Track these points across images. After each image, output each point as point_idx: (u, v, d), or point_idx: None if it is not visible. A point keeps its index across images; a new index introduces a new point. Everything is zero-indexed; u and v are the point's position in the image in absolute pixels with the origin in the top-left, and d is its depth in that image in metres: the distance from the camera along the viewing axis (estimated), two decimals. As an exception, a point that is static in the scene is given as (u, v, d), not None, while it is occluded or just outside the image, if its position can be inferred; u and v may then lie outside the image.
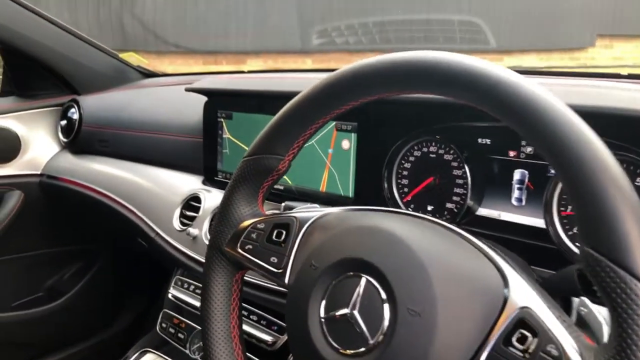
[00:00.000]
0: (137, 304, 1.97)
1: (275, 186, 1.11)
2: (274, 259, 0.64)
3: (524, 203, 0.80)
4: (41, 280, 1.87)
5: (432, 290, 0.50)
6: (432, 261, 0.52)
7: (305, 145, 1.09)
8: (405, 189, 0.91)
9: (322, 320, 0.56)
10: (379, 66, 0.58)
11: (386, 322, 0.51)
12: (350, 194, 0.99)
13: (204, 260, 1.14)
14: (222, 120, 1.22)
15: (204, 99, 1.30)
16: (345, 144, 0.99)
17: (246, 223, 0.68)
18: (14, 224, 1.67)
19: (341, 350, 0.53)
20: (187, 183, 1.31)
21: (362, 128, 0.96)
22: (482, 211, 0.84)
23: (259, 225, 0.67)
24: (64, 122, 1.69)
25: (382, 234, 0.56)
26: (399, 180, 0.92)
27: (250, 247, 0.67)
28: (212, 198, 1.20)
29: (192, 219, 1.19)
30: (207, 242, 1.12)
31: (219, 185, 1.23)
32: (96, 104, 1.68)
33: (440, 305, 0.50)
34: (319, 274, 0.57)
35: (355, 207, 0.65)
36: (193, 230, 1.14)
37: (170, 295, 1.16)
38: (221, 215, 0.70)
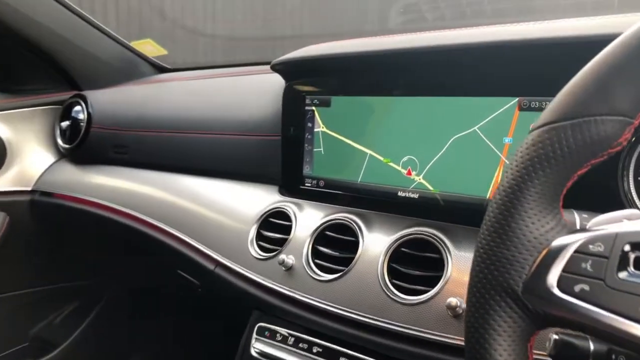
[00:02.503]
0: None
1: (409, 194, 0.80)
2: (650, 311, 0.33)
3: None
4: (26, 327, 1.47)
5: None
6: None
7: (458, 135, 0.81)
8: (657, 191, 0.62)
9: None
10: None
11: None
12: (546, 200, 0.68)
13: (307, 299, 0.83)
14: (314, 108, 0.90)
15: (274, 86, 0.99)
16: (538, 130, 0.69)
17: (558, 243, 0.37)
18: (-4, 256, 1.28)
19: None
20: (257, 196, 0.97)
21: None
22: None
23: (592, 247, 0.36)
24: (65, 124, 1.33)
25: None
26: (642, 178, 0.63)
27: (586, 287, 0.35)
28: (307, 213, 0.87)
29: (278, 242, 0.86)
30: (312, 274, 0.80)
31: (307, 195, 0.91)
32: (109, 101, 1.32)
33: None
34: None
35: None
36: (288, 259, 0.81)
37: (254, 352, 0.82)
38: (503, 232, 0.38)
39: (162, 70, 1.56)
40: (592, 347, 0.43)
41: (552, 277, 0.36)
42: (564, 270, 0.36)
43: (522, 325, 0.38)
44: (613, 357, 0.42)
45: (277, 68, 0.91)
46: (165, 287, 1.37)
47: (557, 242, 0.37)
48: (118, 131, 1.25)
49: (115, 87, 1.40)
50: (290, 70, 0.91)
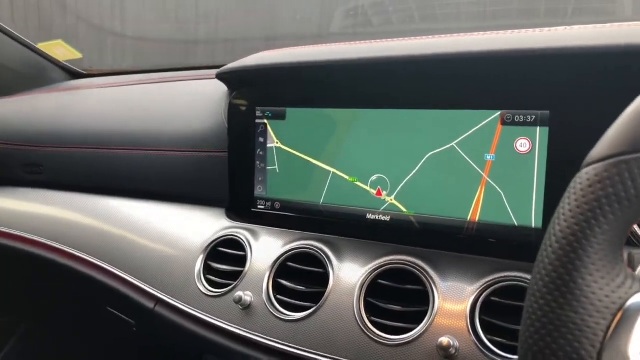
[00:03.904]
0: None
1: (380, 217, 0.71)
2: None
3: None
4: None
5: None
6: None
7: (433, 151, 0.73)
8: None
9: None
10: None
11: None
12: (534, 222, 0.63)
13: (271, 342, 0.71)
14: (267, 121, 0.80)
15: (217, 94, 0.88)
16: (523, 145, 0.63)
17: (635, 302, 0.30)
18: None
19: None
20: (201, 221, 0.86)
21: (561, 117, 0.61)
22: None
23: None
24: (-41, 140, 1.13)
25: None
26: None
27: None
28: (264, 241, 0.77)
29: (231, 276, 0.75)
30: (275, 313, 0.69)
31: (261, 220, 0.81)
32: (13, 112, 1.14)
33: None
34: None
35: None
36: (245, 296, 0.71)
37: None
38: (567, 290, 0.31)
39: (76, 75, 1.39)
40: None
41: (635, 347, 0.29)
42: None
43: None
44: None
45: (224, 77, 0.80)
46: (92, 325, 1.21)
47: (633, 300, 0.30)
48: (27, 147, 1.08)
49: (20, 96, 1.22)
50: (239, 80, 0.81)
